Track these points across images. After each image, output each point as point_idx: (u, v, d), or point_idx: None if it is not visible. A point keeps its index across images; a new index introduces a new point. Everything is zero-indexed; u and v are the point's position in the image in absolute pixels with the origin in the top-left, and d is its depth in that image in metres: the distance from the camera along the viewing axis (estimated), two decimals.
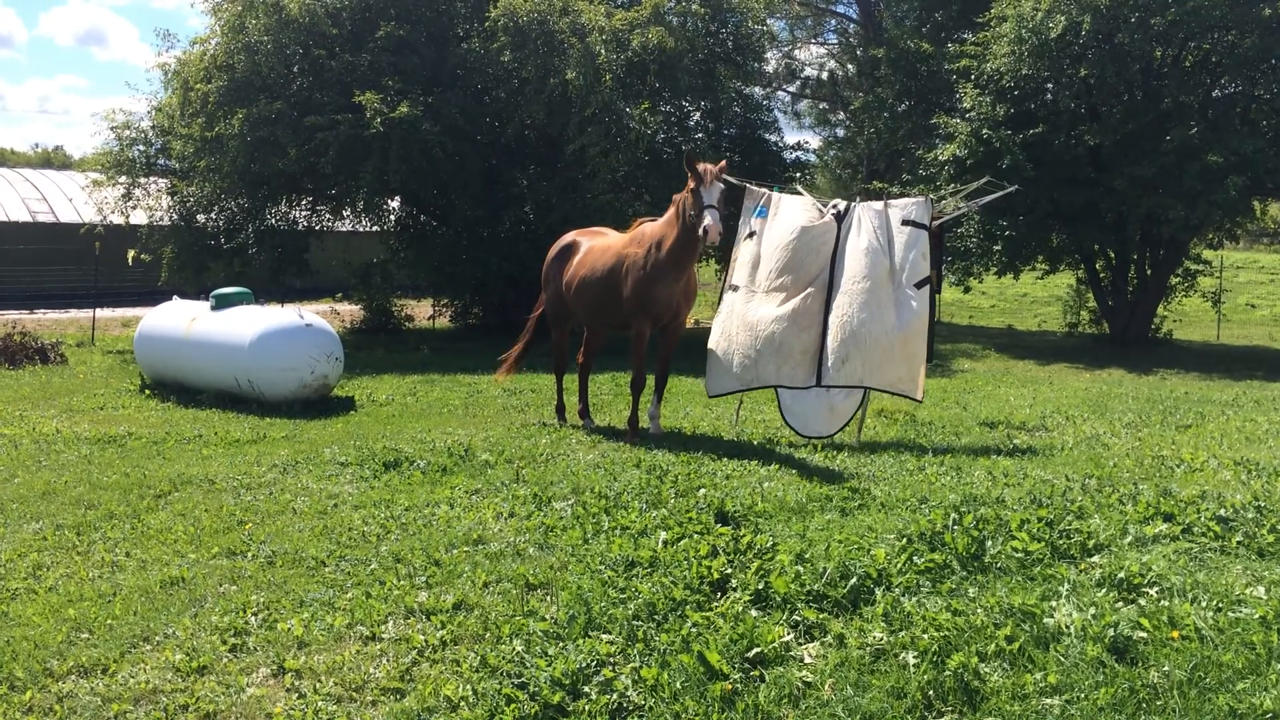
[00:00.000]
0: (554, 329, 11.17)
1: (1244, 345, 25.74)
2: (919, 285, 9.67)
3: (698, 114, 25.60)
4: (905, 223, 9.77)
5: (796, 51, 40.03)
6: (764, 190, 10.72)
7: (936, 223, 11.42)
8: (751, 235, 10.39)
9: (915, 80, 27.87)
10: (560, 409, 11.33)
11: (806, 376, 9.78)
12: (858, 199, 10.46)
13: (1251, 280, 37.96)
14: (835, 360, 9.63)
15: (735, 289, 10.29)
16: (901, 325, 9.55)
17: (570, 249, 10.84)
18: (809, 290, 9.86)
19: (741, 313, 10.10)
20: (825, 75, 40.46)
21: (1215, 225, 24.36)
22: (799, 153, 27.46)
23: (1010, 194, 12.10)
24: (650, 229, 9.97)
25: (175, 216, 24.13)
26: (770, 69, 35.02)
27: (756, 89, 29.32)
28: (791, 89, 40.97)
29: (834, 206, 10.22)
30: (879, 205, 10.08)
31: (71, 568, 6.47)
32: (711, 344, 10.31)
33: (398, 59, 22.12)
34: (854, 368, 9.60)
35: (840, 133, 40.32)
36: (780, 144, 26.16)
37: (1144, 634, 4.46)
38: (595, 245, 10.57)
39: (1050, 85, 22.94)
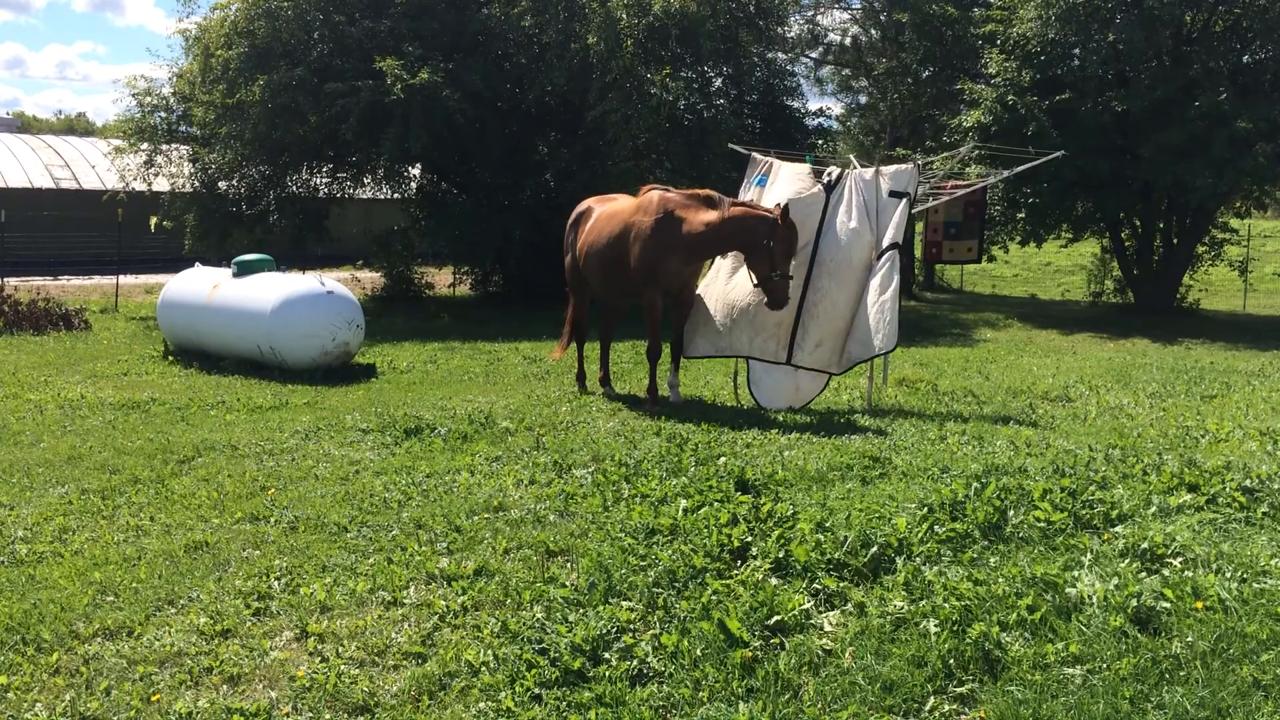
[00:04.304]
0: (573, 296, 11.16)
1: (1271, 315, 25.45)
2: (885, 250, 9.59)
3: (720, 80, 25.38)
4: (892, 194, 9.72)
5: (819, 16, 39.42)
6: (767, 160, 10.71)
7: (972, 189, 11.29)
8: None
9: (940, 45, 27.46)
10: (581, 377, 11.34)
11: (777, 350, 9.89)
12: (850, 167, 10.30)
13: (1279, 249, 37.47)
14: (810, 343, 9.73)
15: (724, 255, 10.34)
16: (865, 299, 9.53)
17: (583, 216, 10.78)
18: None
19: (725, 279, 10.20)
20: (848, 41, 39.87)
21: (1243, 193, 24.04)
22: (821, 119, 27.25)
23: (1035, 162, 11.96)
24: (657, 198, 9.88)
25: (197, 183, 24.22)
26: (793, 34, 34.55)
27: (779, 54, 29.03)
28: (814, 55, 40.46)
29: (828, 175, 10.15)
30: (869, 174, 9.97)
31: (97, 532, 6.53)
32: (694, 306, 10.37)
33: (418, 25, 22.00)
34: (824, 354, 9.73)
35: (863, 99, 39.87)
36: (803, 110, 25.93)
37: (1167, 604, 4.44)
38: (604, 212, 10.50)
39: (1078, 51, 22.56)
